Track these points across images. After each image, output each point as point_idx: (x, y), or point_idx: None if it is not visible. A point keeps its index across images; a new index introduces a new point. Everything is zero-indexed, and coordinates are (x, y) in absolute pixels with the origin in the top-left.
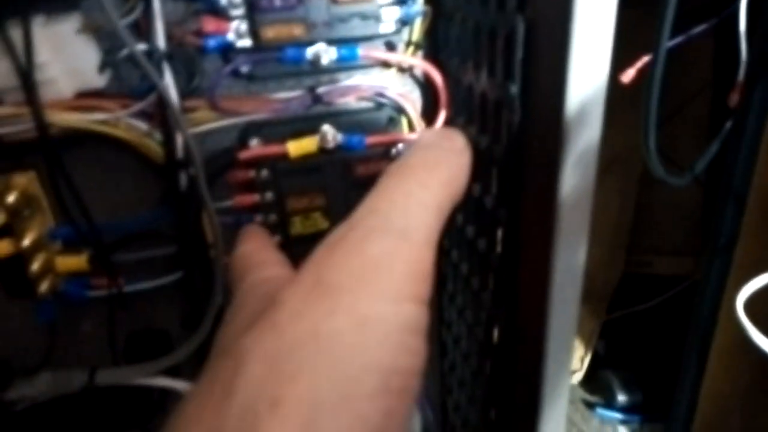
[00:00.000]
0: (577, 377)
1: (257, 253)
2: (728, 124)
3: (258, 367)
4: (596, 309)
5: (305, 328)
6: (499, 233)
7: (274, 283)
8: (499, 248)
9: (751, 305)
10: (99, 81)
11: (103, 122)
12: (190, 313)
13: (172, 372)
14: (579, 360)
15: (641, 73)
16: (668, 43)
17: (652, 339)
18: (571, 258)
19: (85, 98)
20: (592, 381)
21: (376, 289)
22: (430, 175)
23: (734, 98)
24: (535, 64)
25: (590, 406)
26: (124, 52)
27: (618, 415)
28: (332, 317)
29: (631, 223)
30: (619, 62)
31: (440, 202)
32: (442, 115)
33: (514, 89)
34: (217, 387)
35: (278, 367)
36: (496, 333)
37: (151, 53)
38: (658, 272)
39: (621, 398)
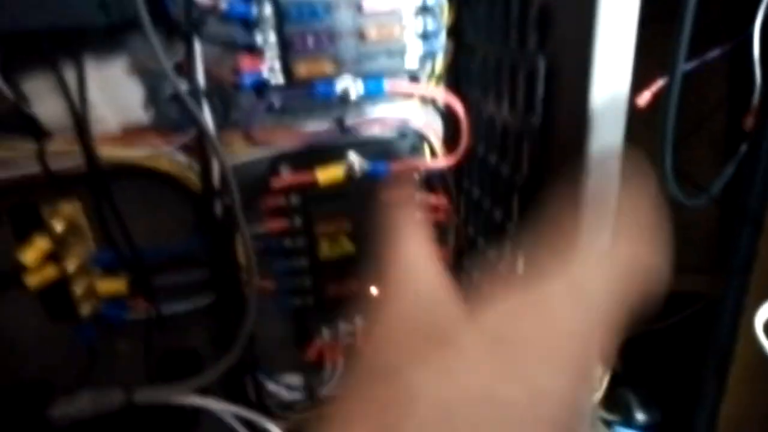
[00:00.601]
0: (596, 396)
1: (423, 260)
2: (743, 147)
3: (430, 413)
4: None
5: (483, 385)
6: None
7: (446, 310)
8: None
9: None
10: (144, 117)
11: (148, 156)
12: (221, 334)
13: (201, 389)
14: (597, 379)
15: (656, 95)
16: (684, 67)
17: (670, 357)
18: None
19: (131, 134)
20: (610, 399)
21: (559, 365)
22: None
23: (749, 121)
24: (556, 98)
25: (609, 424)
26: (168, 90)
27: None
28: (511, 384)
29: None
30: (633, 81)
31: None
32: (463, 144)
33: (536, 122)
34: (381, 416)
35: (451, 419)
36: None
37: (193, 91)
38: (676, 290)
39: (639, 417)
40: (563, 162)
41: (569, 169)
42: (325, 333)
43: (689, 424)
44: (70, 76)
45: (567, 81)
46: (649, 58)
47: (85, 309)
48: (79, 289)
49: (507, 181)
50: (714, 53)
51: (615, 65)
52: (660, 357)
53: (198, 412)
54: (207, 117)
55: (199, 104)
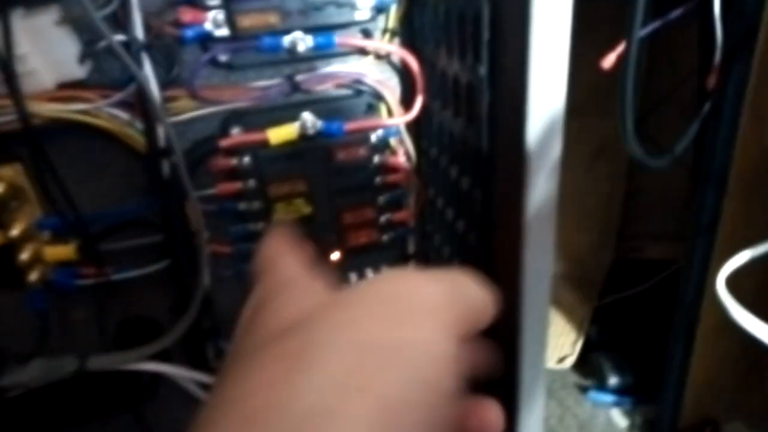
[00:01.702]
0: (570, 361)
1: (286, 251)
2: (706, 107)
3: (335, 357)
4: (588, 294)
5: (373, 333)
6: (474, 217)
7: (317, 284)
8: (477, 229)
9: (733, 283)
10: (79, 72)
11: (85, 112)
12: (177, 300)
13: (162, 357)
14: (571, 345)
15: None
16: (646, 29)
17: (643, 323)
18: (542, 227)
19: (66, 89)
20: (584, 365)
21: (434, 322)
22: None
23: (711, 81)
24: (501, 45)
25: (583, 389)
26: (103, 43)
27: (610, 398)
28: (394, 331)
29: (621, 210)
30: (602, 51)
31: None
32: (419, 101)
33: (483, 71)
34: (290, 364)
35: (354, 361)
36: None
37: (130, 44)
38: (650, 257)
39: (613, 381)
40: (507, 111)
41: (513, 119)
42: None
43: (660, 385)
44: None
45: (510, 23)
46: (620, 30)
47: (33, 276)
48: (25, 255)
49: (461, 136)
50: (676, 14)
51: (555, 8)
52: (632, 322)
53: (158, 380)
54: (148, 72)
55: (138, 59)
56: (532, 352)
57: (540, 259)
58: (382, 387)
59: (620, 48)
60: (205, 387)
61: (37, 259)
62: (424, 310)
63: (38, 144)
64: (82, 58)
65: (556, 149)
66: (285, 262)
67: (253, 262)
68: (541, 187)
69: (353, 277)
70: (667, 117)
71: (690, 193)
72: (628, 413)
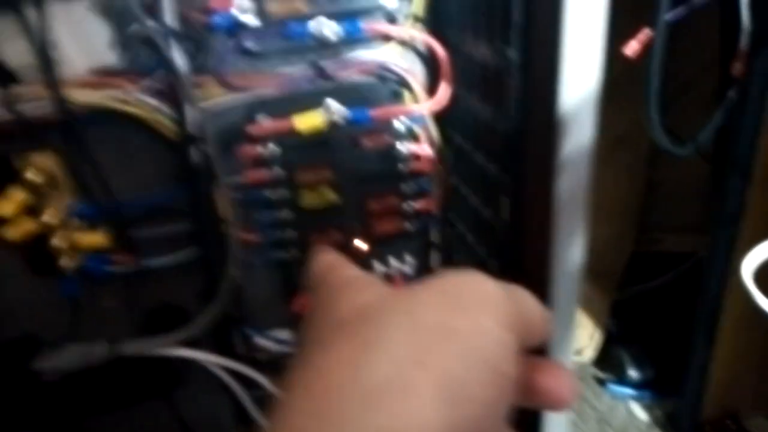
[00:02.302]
0: (588, 355)
1: (340, 260)
2: (732, 94)
3: (401, 336)
4: (606, 287)
5: (435, 319)
6: (504, 201)
7: (378, 281)
8: (504, 216)
9: (758, 274)
10: (111, 58)
11: (117, 99)
12: (206, 287)
13: (190, 344)
14: (589, 338)
15: (646, 49)
16: (671, 14)
17: (662, 316)
18: (572, 213)
19: (98, 76)
20: (603, 358)
21: (491, 313)
22: None
23: (737, 67)
24: (532, 28)
25: (602, 382)
26: (134, 29)
27: (630, 391)
28: (455, 318)
29: (640, 202)
30: (624, 39)
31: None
32: (444, 87)
33: (513, 54)
34: (360, 344)
35: (419, 340)
36: None
37: (162, 32)
38: (669, 250)
39: (632, 374)
40: (539, 96)
41: (545, 104)
42: None
43: (681, 379)
44: (33, 15)
45: (542, 7)
46: (641, 17)
47: (67, 262)
48: (59, 242)
49: (488, 122)
50: (701, 0)
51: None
52: (652, 315)
53: (187, 367)
54: (178, 59)
55: (168, 44)
56: (560, 344)
57: (570, 246)
58: (444, 364)
59: (643, 35)
60: (232, 373)
61: (69, 246)
62: (485, 302)
63: (74, 130)
64: (114, 45)
65: (588, 134)
66: (343, 266)
67: (309, 272)
68: (573, 173)
69: (376, 265)
70: (686, 106)
71: (711, 184)
72: (648, 407)
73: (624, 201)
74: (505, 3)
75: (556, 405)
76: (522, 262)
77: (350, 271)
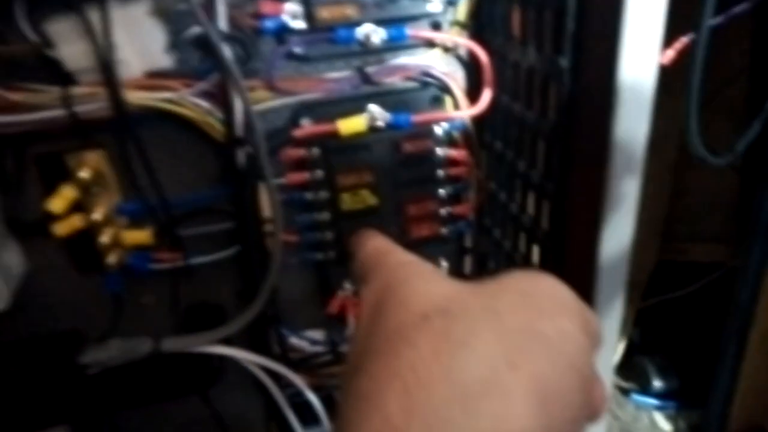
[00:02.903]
0: (612, 363)
1: (390, 244)
2: None
3: (491, 336)
4: (631, 296)
5: (522, 321)
6: (545, 209)
7: (439, 272)
8: (545, 223)
9: None
10: (166, 62)
11: (170, 101)
12: (245, 287)
13: (225, 341)
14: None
15: (679, 57)
16: (712, 22)
17: (687, 326)
18: (619, 232)
19: (153, 78)
20: (627, 367)
21: (572, 318)
22: None
23: None
24: (586, 37)
25: (625, 392)
26: (190, 33)
27: (654, 401)
28: (541, 321)
29: (666, 210)
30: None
31: None
32: (486, 94)
33: (564, 62)
34: (450, 341)
35: (508, 342)
36: None
37: (216, 35)
38: (694, 259)
39: (657, 384)
40: (592, 103)
41: (598, 111)
42: (348, 287)
43: (708, 391)
44: (94, 17)
45: (598, 16)
46: (672, 19)
47: (112, 259)
48: (105, 239)
49: (532, 129)
50: (741, 8)
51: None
52: (676, 325)
53: (223, 363)
54: (230, 62)
55: (223, 50)
56: (603, 357)
57: (615, 258)
58: (536, 367)
59: (679, 43)
60: (268, 372)
61: (115, 244)
62: (566, 307)
63: (126, 131)
64: (168, 48)
65: (641, 144)
66: (397, 251)
67: (358, 257)
68: (623, 182)
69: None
70: (714, 115)
71: (739, 194)
72: (672, 417)
73: (650, 209)
74: (558, 12)
75: (594, 417)
76: (562, 273)
77: (406, 256)
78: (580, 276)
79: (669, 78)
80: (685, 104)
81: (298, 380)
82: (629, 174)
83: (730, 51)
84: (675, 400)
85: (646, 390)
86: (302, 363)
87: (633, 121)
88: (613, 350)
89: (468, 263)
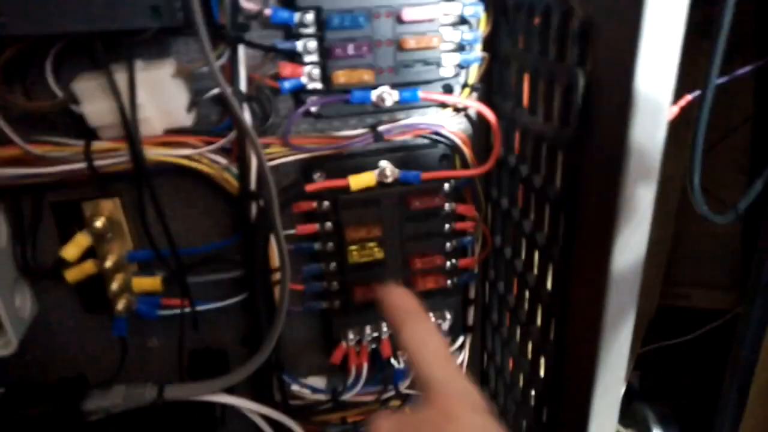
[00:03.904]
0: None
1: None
2: None
3: None
4: (631, 341)
5: None
6: (550, 269)
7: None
8: (549, 284)
9: None
10: (187, 120)
11: (188, 157)
12: (249, 334)
13: (229, 389)
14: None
15: (683, 110)
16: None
17: (687, 372)
18: (624, 298)
19: (174, 135)
20: (626, 414)
21: None
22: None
23: None
24: (592, 113)
25: None
26: (211, 93)
27: None
28: None
29: (668, 255)
30: None
31: None
32: (494, 154)
33: (571, 135)
34: None
35: None
36: (542, 365)
37: (235, 94)
38: (696, 305)
39: None
40: (599, 176)
41: (605, 184)
42: (351, 337)
43: None
44: (119, 78)
45: (606, 96)
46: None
47: (121, 304)
48: (115, 284)
49: (539, 193)
50: (744, 70)
51: (657, 82)
52: (677, 372)
53: (224, 410)
54: (247, 119)
55: (241, 107)
56: (604, 420)
57: (619, 323)
58: None
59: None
60: (269, 421)
61: (124, 289)
62: None
63: (147, 182)
64: (190, 107)
65: (647, 214)
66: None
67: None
68: (629, 251)
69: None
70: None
71: (742, 242)
72: None
73: (652, 253)
74: (568, 89)
75: None
76: (565, 333)
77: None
78: (584, 341)
79: (673, 124)
80: (689, 163)
81: (298, 430)
82: (635, 242)
83: (734, 98)
84: None
85: None
86: (303, 410)
87: (640, 192)
88: (617, 404)
89: (471, 315)
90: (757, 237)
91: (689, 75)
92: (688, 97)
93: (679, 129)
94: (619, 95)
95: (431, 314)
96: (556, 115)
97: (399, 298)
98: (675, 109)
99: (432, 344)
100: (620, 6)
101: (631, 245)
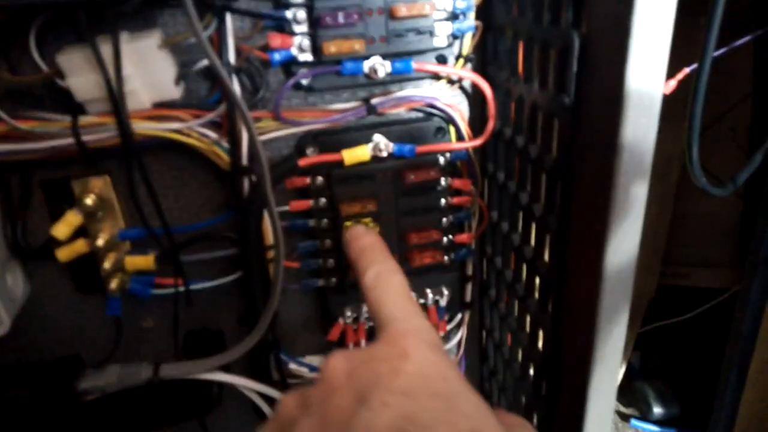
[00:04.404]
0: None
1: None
2: None
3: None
4: (631, 319)
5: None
6: (547, 241)
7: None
8: (546, 256)
9: None
10: (175, 93)
11: (178, 131)
12: (245, 312)
13: (225, 367)
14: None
15: (679, 84)
16: (713, 54)
17: (687, 351)
18: (621, 266)
19: (161, 109)
20: (627, 393)
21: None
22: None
23: None
24: (589, 78)
25: (625, 417)
26: (199, 65)
27: (654, 428)
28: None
29: (667, 234)
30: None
31: None
32: (489, 126)
33: (567, 101)
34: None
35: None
36: (540, 338)
37: (224, 66)
38: (695, 284)
39: (657, 411)
40: (594, 143)
41: (601, 151)
42: (348, 314)
43: (709, 418)
44: (104, 50)
45: (602, 59)
46: (671, 49)
47: (114, 284)
48: (108, 263)
49: (535, 163)
50: (743, 41)
51: (653, 43)
52: (677, 350)
53: (221, 389)
54: (237, 91)
55: (230, 79)
56: (603, 392)
57: (617, 294)
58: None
59: (681, 74)
60: (266, 398)
61: (117, 268)
62: None
63: (137, 158)
64: (178, 80)
65: (644, 184)
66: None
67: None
68: (626, 220)
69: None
70: (717, 140)
71: (742, 221)
72: None
73: (651, 233)
74: (562, 52)
75: None
76: (562, 305)
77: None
78: (581, 311)
79: (672, 103)
80: (686, 135)
81: None
82: (632, 212)
83: (733, 75)
84: (675, 427)
85: (646, 416)
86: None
87: (637, 160)
88: (616, 375)
89: (469, 291)
90: (757, 214)
91: (687, 52)
92: (686, 70)
93: (677, 109)
94: (615, 57)
95: (428, 290)
96: (551, 82)
97: (365, 242)
98: (673, 83)
99: (392, 284)
100: None
101: (628, 211)
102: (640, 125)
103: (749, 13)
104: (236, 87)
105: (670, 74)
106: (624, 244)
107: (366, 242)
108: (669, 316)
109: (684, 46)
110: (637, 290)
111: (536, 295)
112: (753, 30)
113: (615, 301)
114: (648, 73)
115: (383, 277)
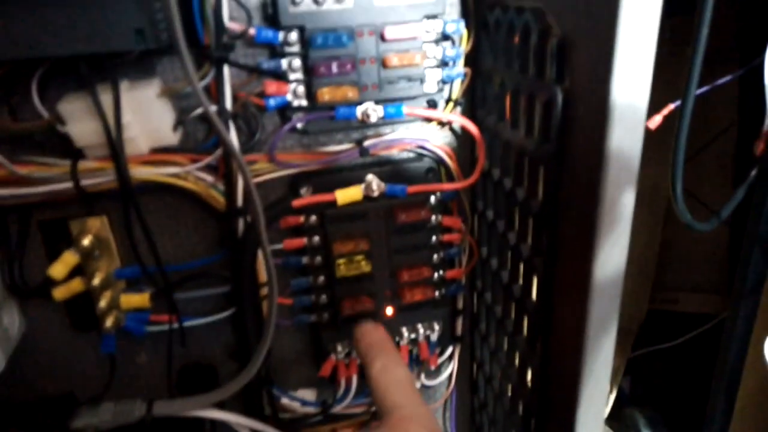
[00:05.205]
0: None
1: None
2: (754, 172)
3: None
4: (621, 345)
5: None
6: (534, 281)
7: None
8: (534, 295)
9: None
10: (173, 139)
11: (175, 175)
12: (238, 348)
13: (219, 403)
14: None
15: (666, 118)
16: (696, 92)
17: (677, 377)
18: (606, 309)
19: (160, 154)
20: (617, 418)
21: None
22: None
23: (759, 146)
24: (572, 129)
25: None
26: (197, 112)
27: None
28: None
29: (656, 260)
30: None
31: None
32: (478, 167)
33: (551, 149)
34: None
35: None
36: (529, 375)
37: (220, 113)
38: (684, 310)
39: None
40: (579, 189)
41: (585, 197)
42: (340, 350)
43: None
44: (104, 98)
45: (584, 111)
46: (657, 81)
47: (109, 322)
48: (103, 302)
49: (522, 206)
50: (725, 79)
51: (632, 96)
52: (666, 376)
53: (214, 425)
54: (233, 137)
55: (227, 125)
56: (591, 423)
57: (602, 336)
58: None
59: (666, 109)
60: None
61: (113, 306)
62: None
63: (134, 200)
64: (176, 127)
65: (626, 225)
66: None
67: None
68: (610, 260)
69: (404, 331)
70: (703, 167)
71: (729, 248)
72: None
73: (640, 259)
74: (547, 105)
75: None
76: (550, 343)
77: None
78: (569, 345)
79: (659, 130)
80: (671, 173)
81: None
82: (615, 253)
83: (720, 103)
84: None
85: None
86: (293, 423)
87: (619, 206)
88: (604, 402)
89: (460, 324)
90: (741, 244)
91: (672, 83)
92: (671, 107)
93: (665, 136)
94: (596, 109)
95: (420, 325)
96: (536, 130)
97: (374, 337)
98: (658, 119)
99: (397, 375)
100: (595, 24)
101: (611, 256)
102: (622, 175)
103: (733, 43)
104: (233, 131)
105: (657, 103)
106: (608, 289)
107: (374, 338)
108: (658, 341)
109: (670, 77)
110: (627, 315)
111: (525, 332)
112: (737, 61)
113: (600, 342)
114: (628, 125)
115: (389, 368)
